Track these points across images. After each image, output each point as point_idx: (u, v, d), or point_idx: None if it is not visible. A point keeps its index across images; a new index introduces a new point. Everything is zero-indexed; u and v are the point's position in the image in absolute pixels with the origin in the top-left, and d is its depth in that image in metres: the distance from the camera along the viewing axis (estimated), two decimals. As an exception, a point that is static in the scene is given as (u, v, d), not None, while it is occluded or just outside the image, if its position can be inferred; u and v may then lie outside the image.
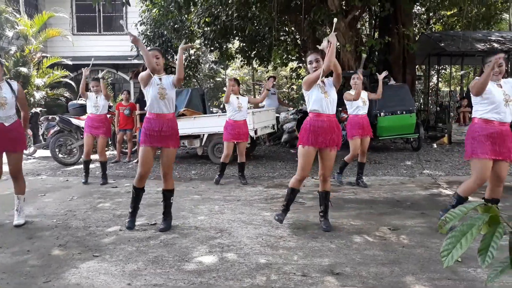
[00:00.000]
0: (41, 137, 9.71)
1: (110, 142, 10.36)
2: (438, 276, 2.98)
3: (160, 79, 4.14)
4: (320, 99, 3.93)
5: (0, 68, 4.30)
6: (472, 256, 3.13)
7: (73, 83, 12.96)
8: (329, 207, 4.22)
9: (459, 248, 1.23)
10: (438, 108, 14.12)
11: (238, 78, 25.58)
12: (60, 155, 8.75)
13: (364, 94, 6.09)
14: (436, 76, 18.23)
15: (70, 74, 13.40)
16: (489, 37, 12.36)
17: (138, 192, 4.30)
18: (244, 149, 6.55)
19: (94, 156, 7.60)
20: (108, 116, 9.41)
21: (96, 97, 6.68)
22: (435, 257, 3.33)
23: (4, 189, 5.96)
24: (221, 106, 13.02)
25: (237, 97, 6.40)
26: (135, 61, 14.71)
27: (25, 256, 3.56)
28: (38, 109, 10.37)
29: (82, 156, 6.93)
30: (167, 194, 4.30)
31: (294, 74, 14.06)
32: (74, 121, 8.86)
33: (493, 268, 1.23)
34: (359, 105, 5.96)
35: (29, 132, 9.75)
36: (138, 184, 4.26)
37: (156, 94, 4.07)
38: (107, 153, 10.51)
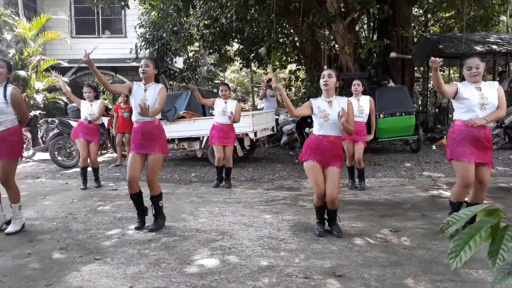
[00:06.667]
0: (40, 140, 9.69)
1: (109, 145, 10.35)
2: (440, 278, 2.98)
3: (145, 90, 4.19)
4: (320, 124, 3.89)
5: (4, 71, 4.15)
6: (474, 258, 3.13)
7: (68, 88, 12.95)
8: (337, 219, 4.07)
9: (468, 251, 1.22)
10: (436, 109, 14.15)
11: (237, 81, 25.43)
12: (59, 158, 8.73)
13: (364, 101, 6.02)
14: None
15: (66, 79, 13.35)
16: (487, 39, 12.40)
17: (133, 198, 4.33)
18: (230, 154, 6.49)
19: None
20: (108, 118, 9.45)
21: (91, 104, 6.58)
22: (437, 258, 3.33)
23: (4, 192, 5.93)
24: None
25: (225, 102, 6.41)
26: (134, 64, 14.73)
27: (26, 259, 3.55)
28: (37, 112, 10.35)
29: (79, 163, 6.85)
30: (154, 200, 4.33)
31: (293, 76, 14.07)
32: (74, 123, 8.83)
33: (500, 270, 1.23)
34: (354, 113, 5.98)
35: (28, 135, 9.74)
36: (130, 190, 4.29)
37: (138, 106, 4.11)
38: (107, 155, 10.53)
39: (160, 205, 4.35)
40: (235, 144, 8.23)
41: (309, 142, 3.98)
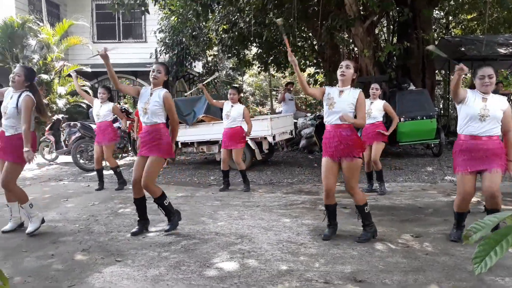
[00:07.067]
0: (63, 143, 9.89)
1: (130, 148, 10.49)
2: (464, 284, 2.92)
3: (151, 93, 4.21)
4: (326, 112, 3.91)
5: (20, 80, 4.28)
6: (500, 265, 3.07)
7: (91, 92, 13.17)
8: (364, 217, 3.97)
9: (493, 256, 1.18)
10: (458, 113, 13.89)
11: (256, 85, 25.36)
12: (81, 161, 8.89)
13: (376, 105, 5.98)
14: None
15: (88, 83, 13.62)
16: (510, 41, 12.12)
17: (136, 203, 4.35)
18: (237, 157, 6.43)
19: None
20: (128, 122, 9.60)
21: (101, 105, 6.74)
22: (461, 265, 3.26)
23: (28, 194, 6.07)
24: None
25: (232, 105, 6.41)
26: (154, 68, 14.90)
27: (49, 260, 3.62)
28: (60, 116, 10.57)
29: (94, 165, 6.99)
30: (158, 202, 4.31)
31: (311, 79, 14.02)
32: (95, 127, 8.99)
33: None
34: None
35: (51, 138, 9.95)
36: (134, 194, 4.32)
37: (141, 108, 4.20)
38: (128, 158, 10.67)
39: (166, 204, 4.30)
40: (254, 148, 8.26)
41: (324, 135, 3.97)
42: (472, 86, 3.81)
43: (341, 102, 3.82)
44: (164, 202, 4.31)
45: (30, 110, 4.24)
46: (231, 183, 6.92)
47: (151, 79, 4.24)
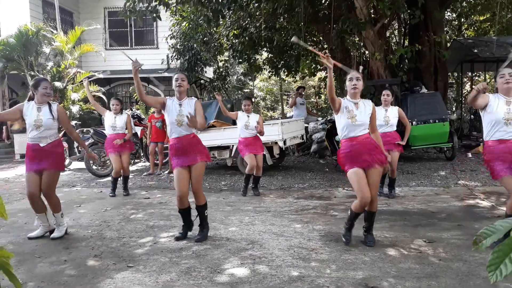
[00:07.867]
0: (76, 150, 10.02)
1: (142, 154, 10.57)
2: (478, 291, 2.87)
3: (180, 105, 4.19)
4: (347, 125, 3.83)
5: (52, 94, 4.52)
6: (514, 271, 2.99)
7: (104, 97, 13.32)
8: (372, 223, 4.05)
9: (509, 264, 1.15)
10: (472, 116, 13.73)
11: (267, 90, 25.44)
12: (94, 167, 8.98)
13: (392, 112, 5.93)
14: (469, 83, 17.75)
15: (102, 89, 13.81)
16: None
17: (182, 212, 4.34)
18: (261, 162, 6.54)
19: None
20: (141, 128, 9.69)
21: (115, 117, 6.78)
22: (475, 271, 3.21)
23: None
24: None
25: (248, 116, 6.49)
26: (166, 74, 15.05)
27: (62, 266, 3.65)
28: (73, 122, 10.71)
29: (112, 173, 6.99)
30: (200, 209, 4.34)
31: (322, 83, 14.00)
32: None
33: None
34: (380, 123, 5.82)
35: (65, 144, 10.09)
36: (179, 205, 4.28)
37: (174, 121, 4.15)
38: (140, 164, 10.76)
39: (205, 214, 4.38)
40: (264, 153, 8.25)
41: (344, 151, 3.87)
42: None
43: (361, 114, 3.82)
44: (205, 211, 4.36)
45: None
46: (238, 188, 6.93)
47: (176, 89, 4.20)
